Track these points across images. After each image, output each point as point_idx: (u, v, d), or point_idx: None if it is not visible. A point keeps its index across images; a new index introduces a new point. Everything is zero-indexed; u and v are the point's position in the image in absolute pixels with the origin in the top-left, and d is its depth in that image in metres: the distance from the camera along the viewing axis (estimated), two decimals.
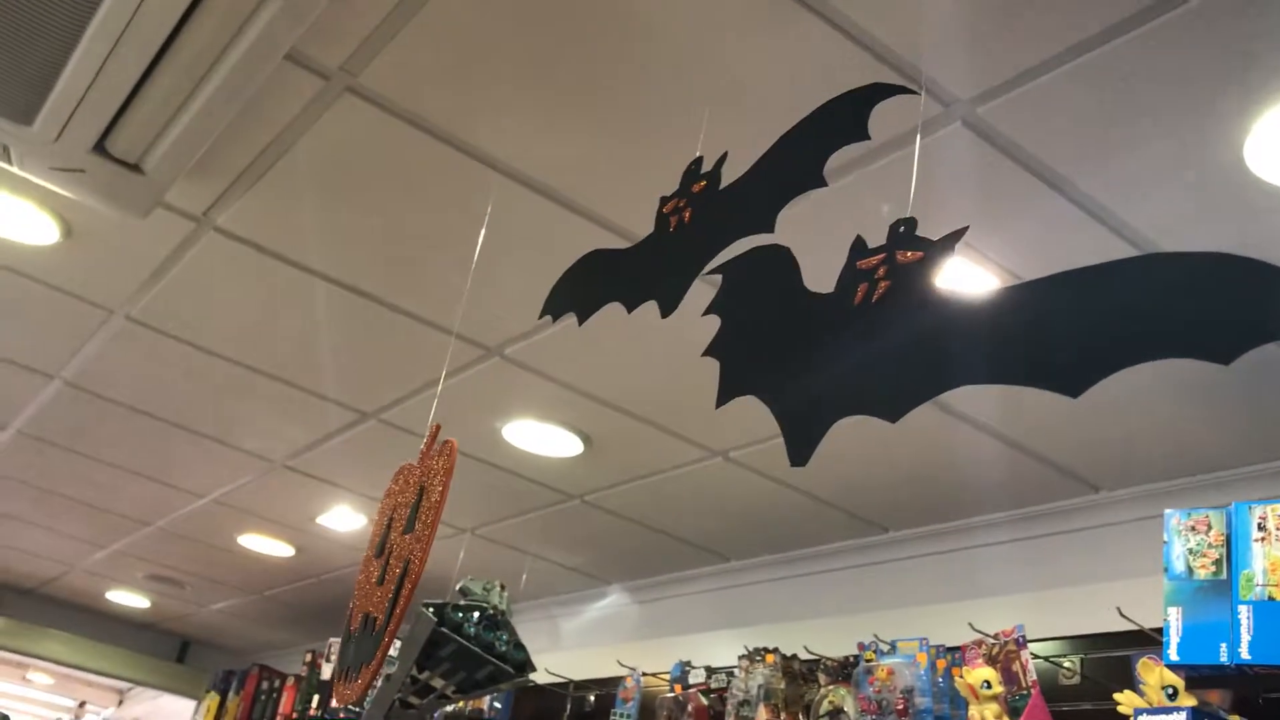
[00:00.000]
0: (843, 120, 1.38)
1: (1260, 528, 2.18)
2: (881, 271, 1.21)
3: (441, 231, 2.66)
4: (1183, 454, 2.93)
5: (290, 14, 1.96)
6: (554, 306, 1.79)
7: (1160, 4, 1.68)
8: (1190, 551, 2.24)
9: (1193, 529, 2.26)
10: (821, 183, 1.39)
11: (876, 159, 2.13)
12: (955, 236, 1.20)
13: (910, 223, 1.22)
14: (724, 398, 1.40)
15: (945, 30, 1.82)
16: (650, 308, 1.56)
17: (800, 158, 1.41)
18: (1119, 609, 2.65)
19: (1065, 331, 1.10)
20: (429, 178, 2.47)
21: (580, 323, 1.69)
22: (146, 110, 2.24)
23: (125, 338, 3.54)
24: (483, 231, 1.76)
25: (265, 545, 5.52)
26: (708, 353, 1.44)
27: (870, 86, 1.36)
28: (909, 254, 1.20)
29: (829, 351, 1.26)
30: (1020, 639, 2.78)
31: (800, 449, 1.25)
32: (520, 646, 3.71)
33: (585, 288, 1.73)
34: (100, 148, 2.31)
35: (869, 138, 1.37)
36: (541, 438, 3.70)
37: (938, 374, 1.15)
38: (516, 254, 2.65)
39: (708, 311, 1.46)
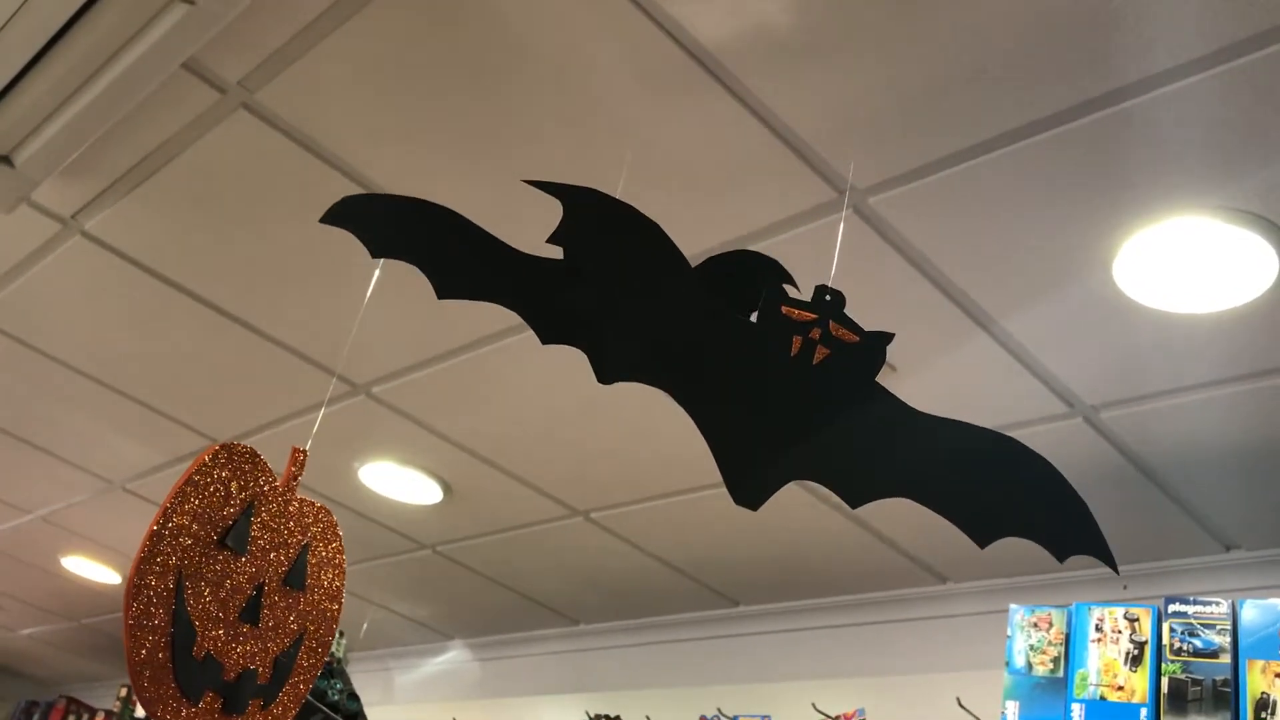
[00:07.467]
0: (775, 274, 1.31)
1: (1098, 629, 2.27)
2: (816, 334, 1.19)
3: (326, 262, 2.58)
4: (1027, 552, 3.02)
5: (194, 24, 1.90)
6: (378, 241, 1.48)
7: (1060, 115, 1.77)
8: (1031, 648, 2.31)
9: (1035, 625, 2.34)
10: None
11: (769, 236, 2.17)
12: (885, 338, 1.22)
13: (838, 296, 1.22)
14: (610, 377, 1.26)
15: (847, 117, 1.88)
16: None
17: (739, 284, 1.31)
18: (959, 699, 2.70)
19: (993, 490, 1.29)
20: (320, 206, 2.40)
21: (440, 297, 1.46)
22: (26, 102, 2.14)
23: None
24: (377, 271, 1.72)
25: (91, 570, 5.24)
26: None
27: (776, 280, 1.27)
28: (844, 331, 1.20)
29: (770, 394, 1.21)
30: None
31: (748, 492, 1.22)
32: (354, 697, 3.59)
33: (457, 260, 1.44)
34: None
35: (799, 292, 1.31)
36: (399, 482, 3.61)
37: (899, 479, 1.20)
38: (403, 295, 2.58)
39: (553, 239, 1.25)
